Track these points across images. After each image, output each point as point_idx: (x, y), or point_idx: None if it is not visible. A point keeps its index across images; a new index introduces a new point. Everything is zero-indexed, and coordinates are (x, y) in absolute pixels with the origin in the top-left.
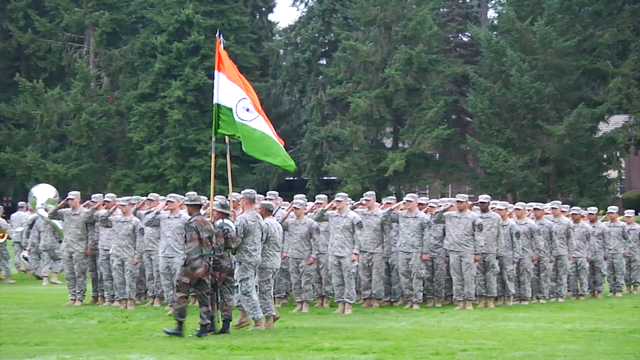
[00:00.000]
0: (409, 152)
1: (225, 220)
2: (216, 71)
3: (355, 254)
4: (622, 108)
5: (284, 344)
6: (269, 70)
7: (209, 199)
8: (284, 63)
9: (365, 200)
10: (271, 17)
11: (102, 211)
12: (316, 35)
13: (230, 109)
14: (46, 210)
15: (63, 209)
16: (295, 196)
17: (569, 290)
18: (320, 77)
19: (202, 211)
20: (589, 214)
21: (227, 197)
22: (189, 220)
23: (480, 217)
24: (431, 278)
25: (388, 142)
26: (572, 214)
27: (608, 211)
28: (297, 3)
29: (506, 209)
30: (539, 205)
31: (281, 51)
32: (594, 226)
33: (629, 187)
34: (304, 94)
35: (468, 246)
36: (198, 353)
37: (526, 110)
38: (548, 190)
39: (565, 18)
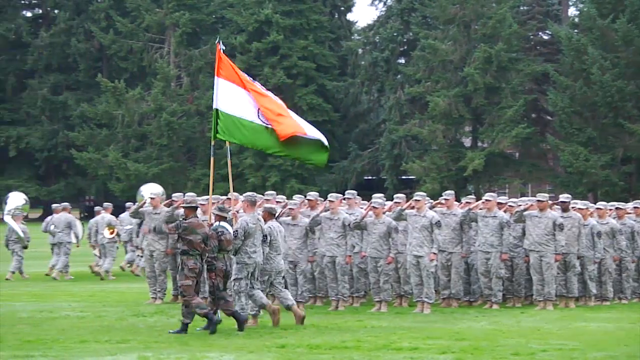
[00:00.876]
0: (488, 152)
1: (222, 223)
2: (215, 77)
3: (434, 253)
4: None
5: (363, 344)
6: (348, 70)
7: (287, 199)
8: (363, 62)
9: (444, 199)
10: (350, 16)
11: (182, 210)
12: (395, 34)
13: (229, 115)
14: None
15: (144, 208)
16: (373, 195)
17: None
18: (399, 76)
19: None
20: None
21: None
22: (182, 221)
23: (561, 216)
24: (511, 278)
25: (467, 141)
26: None
27: None
28: (376, 2)
29: (587, 208)
30: (620, 204)
31: (360, 50)
32: None
33: None
34: (382, 93)
35: (549, 246)
36: (277, 352)
37: (607, 108)
38: (630, 190)
39: None
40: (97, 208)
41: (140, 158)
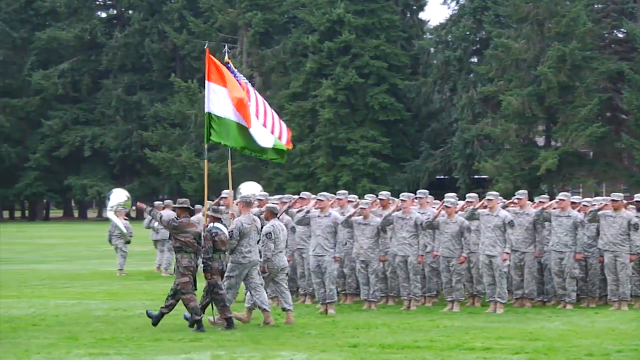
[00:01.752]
0: (561, 151)
1: (216, 224)
2: (206, 81)
3: (507, 253)
4: None
5: (435, 343)
6: (420, 69)
7: (359, 198)
8: (435, 61)
9: (517, 198)
10: (422, 15)
11: (255, 210)
12: (467, 33)
13: (220, 117)
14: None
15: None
16: (446, 195)
17: None
18: (471, 75)
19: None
20: None
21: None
22: (175, 219)
23: (636, 216)
24: (585, 278)
25: (540, 141)
26: None
27: None
28: (449, 1)
29: None
30: None
31: (432, 49)
32: None
33: None
34: (454, 92)
35: (623, 246)
36: (349, 351)
37: None
38: None
39: None
40: (156, 203)
41: (212, 157)
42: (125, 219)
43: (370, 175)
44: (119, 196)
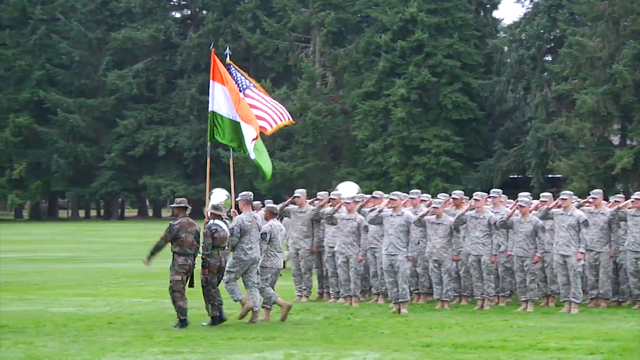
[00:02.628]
0: (637, 150)
1: (216, 221)
2: (211, 81)
3: (582, 252)
4: None
5: (509, 343)
6: (493, 68)
7: (432, 197)
8: (509, 60)
9: (592, 198)
10: (495, 13)
11: (328, 209)
12: (541, 31)
13: (223, 117)
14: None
15: (290, 207)
16: (519, 194)
17: None
18: (546, 73)
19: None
20: None
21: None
22: (173, 222)
23: None
24: None
25: (615, 140)
26: None
27: None
28: None
29: None
30: None
31: (505, 48)
32: None
33: None
34: (528, 91)
35: None
36: (422, 351)
37: None
38: None
39: None
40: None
41: (285, 157)
42: (225, 218)
43: (443, 174)
44: (219, 196)
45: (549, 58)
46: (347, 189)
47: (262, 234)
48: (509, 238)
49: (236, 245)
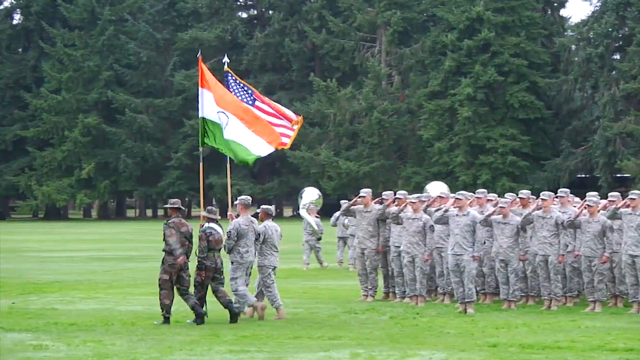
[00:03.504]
0: None
1: (210, 224)
2: (200, 88)
3: None
4: None
5: (576, 344)
6: (560, 66)
7: (499, 197)
8: (576, 58)
9: None
10: (563, 12)
11: (393, 208)
12: (610, 29)
13: (214, 122)
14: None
15: (355, 206)
16: (587, 194)
17: None
18: (614, 72)
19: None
20: None
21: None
22: (167, 220)
23: None
24: None
25: None
26: None
27: None
28: None
29: None
30: None
31: (573, 47)
32: None
33: None
34: (596, 90)
35: None
36: (489, 351)
37: None
38: None
39: None
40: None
41: (351, 156)
42: (316, 217)
43: (510, 173)
44: (311, 194)
45: (617, 56)
46: (436, 189)
47: (257, 235)
48: (576, 238)
49: (232, 249)
